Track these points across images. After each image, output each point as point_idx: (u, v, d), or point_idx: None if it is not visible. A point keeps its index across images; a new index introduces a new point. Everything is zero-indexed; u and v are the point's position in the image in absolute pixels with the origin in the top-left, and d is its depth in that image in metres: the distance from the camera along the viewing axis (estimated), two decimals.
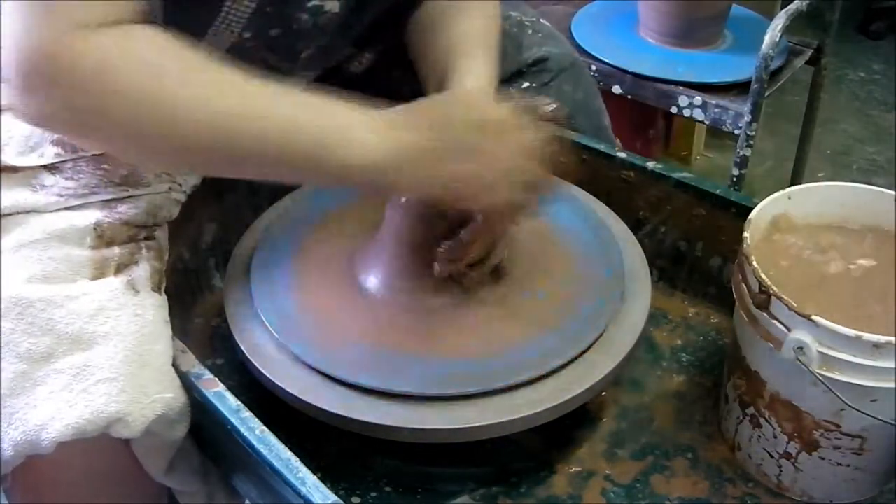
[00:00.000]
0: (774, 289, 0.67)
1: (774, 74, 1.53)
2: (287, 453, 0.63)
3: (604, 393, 0.83)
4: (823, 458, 0.72)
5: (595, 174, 0.97)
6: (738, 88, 1.56)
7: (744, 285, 0.72)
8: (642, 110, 1.84)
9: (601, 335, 0.76)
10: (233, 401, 0.68)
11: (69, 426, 0.64)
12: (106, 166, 0.75)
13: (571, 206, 0.90)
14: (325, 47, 0.85)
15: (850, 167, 2.26)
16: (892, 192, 0.77)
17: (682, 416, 0.83)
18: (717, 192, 0.89)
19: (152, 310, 0.71)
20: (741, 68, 1.57)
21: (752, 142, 1.52)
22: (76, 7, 0.60)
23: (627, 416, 0.83)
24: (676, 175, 0.92)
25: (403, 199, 0.77)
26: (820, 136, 2.12)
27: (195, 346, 0.78)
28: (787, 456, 0.73)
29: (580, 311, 0.78)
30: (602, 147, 0.97)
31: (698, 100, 1.56)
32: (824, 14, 1.64)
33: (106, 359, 0.66)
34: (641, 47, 1.69)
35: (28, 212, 0.72)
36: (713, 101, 1.55)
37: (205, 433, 0.75)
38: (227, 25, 0.74)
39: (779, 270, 0.71)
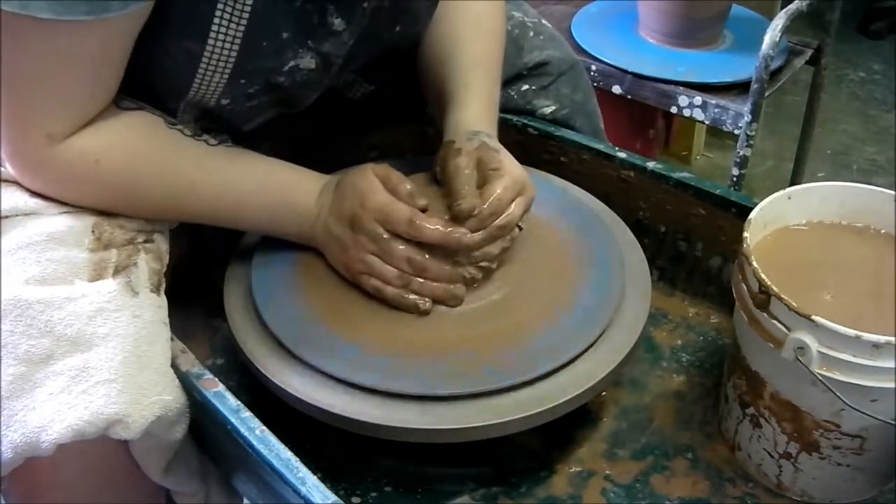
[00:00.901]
0: (774, 289, 0.67)
1: (774, 74, 1.53)
2: (287, 453, 0.63)
3: (604, 393, 0.83)
4: (823, 458, 0.72)
5: (595, 174, 0.97)
6: (738, 88, 1.56)
7: (744, 285, 0.72)
8: (642, 110, 1.84)
9: (601, 335, 0.76)
10: (233, 401, 0.68)
11: (69, 428, 0.64)
12: None
13: (571, 206, 0.89)
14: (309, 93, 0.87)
15: (850, 167, 2.26)
16: (892, 192, 0.77)
17: (682, 416, 0.83)
18: (717, 192, 0.89)
19: (151, 311, 0.71)
20: (741, 68, 1.57)
21: (752, 142, 1.52)
22: (47, 121, 0.69)
23: (627, 416, 0.83)
24: (676, 175, 0.92)
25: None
26: (820, 136, 2.12)
27: (195, 346, 0.78)
28: (787, 456, 0.73)
29: (580, 311, 0.78)
30: (602, 147, 0.97)
31: (698, 100, 1.56)
32: (824, 14, 1.64)
33: (105, 360, 0.66)
34: (641, 47, 1.69)
35: (27, 214, 0.72)
36: (713, 101, 1.55)
37: (205, 433, 0.75)
38: (203, 93, 0.76)
39: (779, 270, 0.71)
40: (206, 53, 0.72)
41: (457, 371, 0.72)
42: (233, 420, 0.66)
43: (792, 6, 1.49)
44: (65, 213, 0.73)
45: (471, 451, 0.75)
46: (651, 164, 0.93)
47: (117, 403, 0.65)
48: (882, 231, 0.78)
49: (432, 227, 0.75)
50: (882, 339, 0.63)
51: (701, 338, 0.91)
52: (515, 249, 0.81)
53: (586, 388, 0.72)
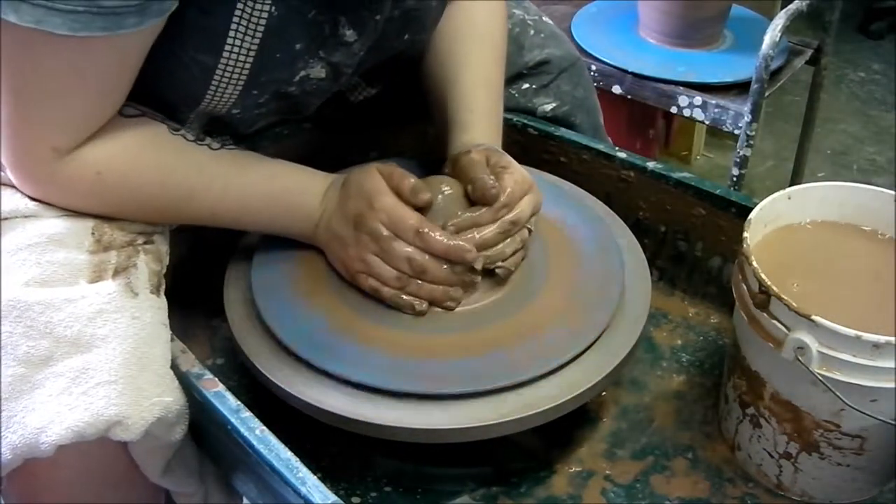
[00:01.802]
0: (774, 289, 0.67)
1: (774, 74, 1.54)
2: (287, 453, 0.63)
3: (604, 393, 0.83)
4: (823, 458, 0.72)
5: (595, 174, 0.97)
6: (738, 88, 1.56)
7: (744, 285, 0.72)
8: (642, 110, 1.84)
9: (601, 335, 0.76)
10: (233, 401, 0.68)
11: (69, 429, 0.64)
12: None
13: (571, 206, 0.89)
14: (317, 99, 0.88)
15: (850, 167, 2.27)
16: (892, 192, 0.77)
17: (682, 416, 0.83)
18: (717, 192, 0.89)
19: (151, 312, 0.71)
20: (741, 68, 1.57)
21: (752, 142, 1.52)
22: (54, 135, 0.69)
23: (627, 416, 0.83)
24: (676, 175, 0.92)
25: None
26: (820, 136, 2.12)
27: (195, 346, 0.78)
28: (787, 456, 0.73)
29: (580, 310, 0.78)
30: (602, 147, 0.97)
31: (698, 100, 1.56)
32: (824, 14, 1.64)
33: (105, 361, 0.66)
34: (641, 47, 1.69)
35: (27, 216, 0.72)
36: (713, 101, 1.55)
37: (204, 433, 0.75)
38: (215, 103, 0.77)
39: (779, 270, 0.71)
40: (219, 66, 0.73)
41: (457, 371, 0.72)
42: (233, 420, 0.66)
43: (792, 6, 1.49)
44: (64, 215, 0.73)
45: (471, 451, 0.75)
46: (651, 164, 0.93)
47: (117, 405, 0.65)
48: (882, 231, 0.78)
49: (439, 238, 0.75)
50: (882, 339, 0.63)
51: (701, 338, 0.91)
52: None
53: (586, 388, 0.72)
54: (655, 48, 1.69)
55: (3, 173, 0.73)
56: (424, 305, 0.77)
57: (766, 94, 1.49)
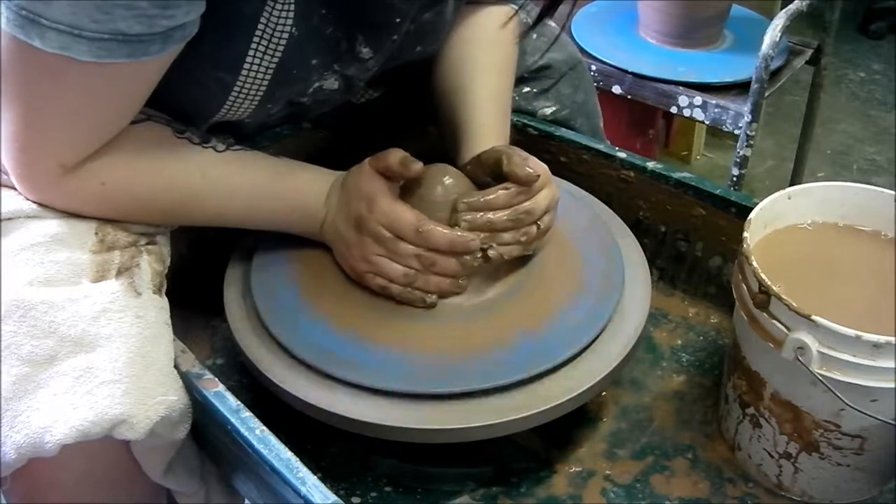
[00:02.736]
0: (774, 289, 0.67)
1: (774, 74, 1.54)
2: (287, 453, 0.63)
3: (604, 393, 0.83)
4: (823, 458, 0.72)
5: (595, 174, 0.97)
6: (738, 88, 1.56)
7: (744, 285, 0.72)
8: (642, 110, 1.84)
9: (601, 335, 0.76)
10: (233, 401, 0.68)
11: (73, 429, 0.64)
12: None
13: (571, 206, 0.90)
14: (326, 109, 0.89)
15: (850, 167, 2.27)
16: (892, 192, 0.77)
17: (682, 416, 0.83)
18: (717, 192, 0.89)
19: (154, 312, 0.71)
20: (741, 68, 1.57)
21: (752, 142, 1.52)
22: (63, 152, 0.70)
23: (627, 416, 0.83)
24: (676, 175, 0.92)
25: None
26: (820, 136, 2.12)
27: (195, 346, 0.78)
28: (787, 456, 0.73)
29: (580, 310, 0.78)
30: (602, 147, 0.97)
31: (698, 100, 1.56)
32: (824, 14, 1.64)
33: (109, 361, 0.66)
34: (641, 47, 1.69)
35: (29, 217, 0.72)
36: (713, 101, 1.55)
37: (205, 433, 0.75)
38: (231, 116, 0.78)
39: (779, 270, 0.71)
40: (237, 84, 0.73)
41: (457, 371, 0.72)
42: (233, 420, 0.66)
43: (792, 6, 1.49)
44: (67, 215, 0.73)
45: (471, 451, 0.75)
46: (651, 164, 0.93)
47: (122, 404, 0.65)
48: (882, 231, 0.78)
49: (440, 232, 0.75)
50: (882, 339, 0.63)
51: (701, 338, 0.91)
52: None
53: (586, 388, 0.72)
54: (655, 48, 1.69)
55: (4, 175, 0.73)
56: (434, 298, 0.77)
57: (766, 94, 1.49)
